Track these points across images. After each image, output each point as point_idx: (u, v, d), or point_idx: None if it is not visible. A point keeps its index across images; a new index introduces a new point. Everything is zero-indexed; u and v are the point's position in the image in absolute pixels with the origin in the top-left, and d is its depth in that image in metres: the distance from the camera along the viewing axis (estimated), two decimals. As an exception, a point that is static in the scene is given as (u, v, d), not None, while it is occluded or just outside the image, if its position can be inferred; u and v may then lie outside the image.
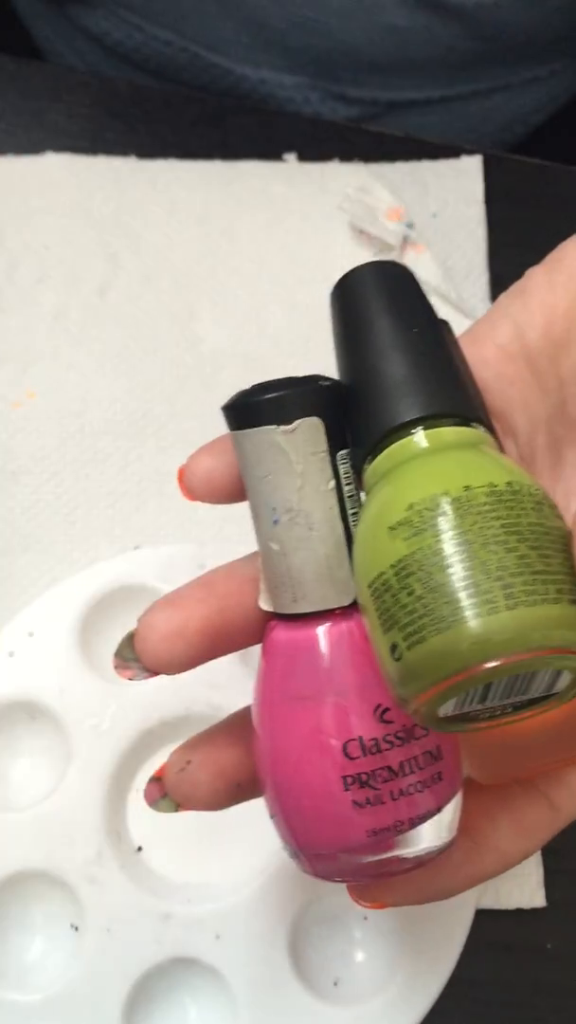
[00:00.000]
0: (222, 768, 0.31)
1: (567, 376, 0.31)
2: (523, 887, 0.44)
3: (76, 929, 0.42)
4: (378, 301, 0.29)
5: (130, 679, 0.30)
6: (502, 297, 0.32)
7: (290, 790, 0.29)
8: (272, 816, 0.30)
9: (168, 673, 0.29)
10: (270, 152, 0.55)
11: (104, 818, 0.42)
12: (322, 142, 0.55)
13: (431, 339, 0.28)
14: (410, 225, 0.53)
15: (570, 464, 0.32)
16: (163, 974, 0.41)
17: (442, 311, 0.31)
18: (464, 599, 0.23)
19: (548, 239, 0.33)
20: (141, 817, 0.43)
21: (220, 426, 0.51)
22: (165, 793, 0.32)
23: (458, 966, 0.42)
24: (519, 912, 0.44)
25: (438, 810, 0.29)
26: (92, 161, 0.54)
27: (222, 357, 0.51)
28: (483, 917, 0.43)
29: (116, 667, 0.30)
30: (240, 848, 0.43)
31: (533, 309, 0.31)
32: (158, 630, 0.29)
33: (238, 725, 0.31)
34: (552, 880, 0.44)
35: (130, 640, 0.29)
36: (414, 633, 0.24)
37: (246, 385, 0.29)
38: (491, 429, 0.28)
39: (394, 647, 0.24)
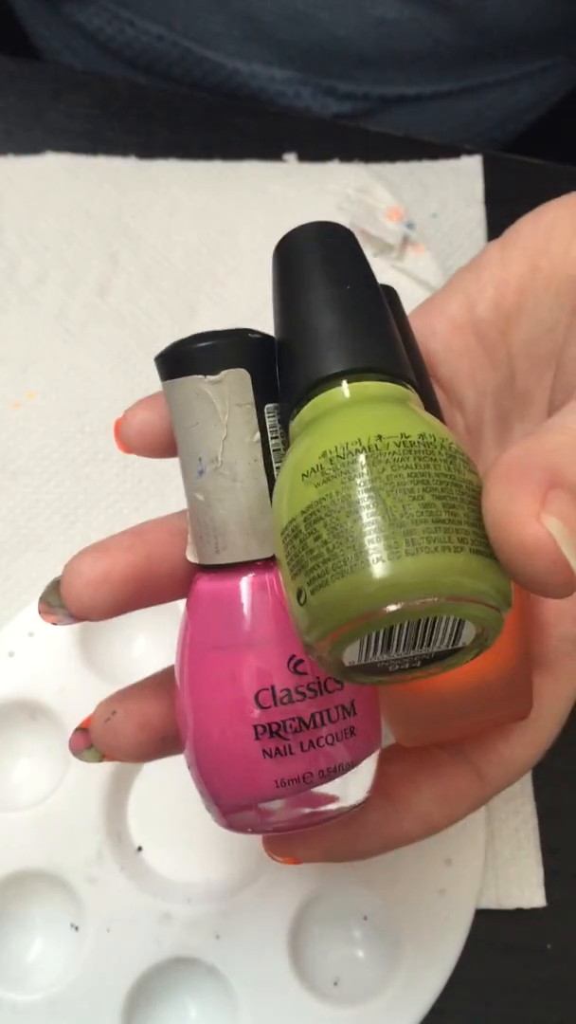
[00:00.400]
0: (147, 720, 0.31)
1: (516, 349, 0.31)
2: (523, 887, 0.44)
3: (76, 929, 0.42)
4: (315, 259, 0.29)
5: (54, 623, 0.30)
6: (458, 271, 0.32)
7: (204, 739, 0.29)
8: (189, 767, 0.30)
9: (92, 619, 0.30)
10: (270, 152, 0.55)
11: (104, 818, 0.42)
12: (322, 142, 0.55)
13: (364, 297, 0.29)
14: (410, 225, 0.53)
15: (518, 436, 0.32)
16: (163, 974, 0.41)
17: None
18: (366, 544, 0.24)
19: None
20: (141, 817, 0.43)
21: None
22: (90, 743, 0.32)
23: (458, 966, 0.42)
24: (519, 912, 0.44)
25: (351, 765, 0.29)
26: (92, 161, 0.54)
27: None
28: (483, 917, 0.43)
29: (41, 612, 0.30)
30: (240, 848, 0.43)
31: (485, 282, 0.31)
32: (83, 575, 0.29)
33: (167, 679, 0.32)
34: (552, 880, 0.44)
35: (56, 586, 0.30)
36: (318, 578, 0.24)
37: None
38: (419, 388, 0.28)
39: (300, 592, 0.25)
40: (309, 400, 0.27)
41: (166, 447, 0.30)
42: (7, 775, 0.44)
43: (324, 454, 0.25)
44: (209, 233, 0.53)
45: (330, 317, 0.28)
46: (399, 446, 0.25)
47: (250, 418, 0.28)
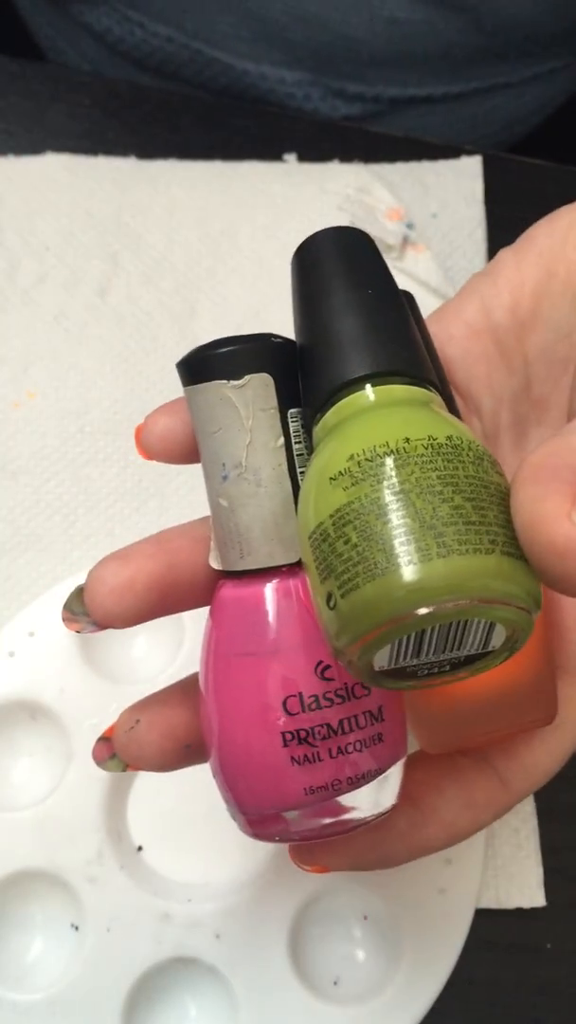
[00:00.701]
0: (171, 728, 0.31)
1: (532, 355, 0.31)
2: (523, 887, 0.44)
3: (76, 929, 0.42)
4: (335, 264, 0.29)
5: (78, 631, 0.30)
6: (472, 277, 0.32)
7: (230, 747, 0.29)
8: (215, 775, 0.30)
9: (116, 627, 0.29)
10: (270, 152, 0.55)
11: (104, 818, 0.42)
12: (322, 142, 0.55)
13: (385, 301, 0.29)
14: (410, 225, 0.53)
15: (534, 442, 0.32)
16: (163, 973, 0.41)
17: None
18: (397, 547, 0.23)
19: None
20: (141, 817, 0.43)
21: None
22: (114, 753, 0.32)
23: (458, 966, 0.42)
24: (519, 912, 0.44)
25: (379, 772, 0.29)
26: (92, 161, 0.54)
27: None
28: (483, 917, 0.43)
29: (65, 620, 0.30)
30: (240, 848, 0.43)
31: (501, 288, 0.31)
32: (107, 583, 0.29)
33: (190, 686, 0.31)
34: (552, 880, 0.44)
35: (79, 593, 0.30)
36: (348, 581, 0.24)
37: None
38: (441, 393, 0.28)
39: (329, 596, 0.25)
40: (333, 404, 0.27)
41: (188, 453, 0.30)
42: (7, 775, 0.44)
43: (351, 457, 0.25)
44: (209, 233, 0.53)
45: (352, 321, 0.28)
46: (427, 448, 0.25)
47: (274, 423, 0.28)
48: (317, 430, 0.28)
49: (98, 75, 0.59)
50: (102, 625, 0.29)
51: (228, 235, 0.53)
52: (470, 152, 0.56)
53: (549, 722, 0.31)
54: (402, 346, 0.28)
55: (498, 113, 0.66)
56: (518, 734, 0.32)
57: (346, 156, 0.55)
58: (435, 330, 0.31)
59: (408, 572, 0.23)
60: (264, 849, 0.43)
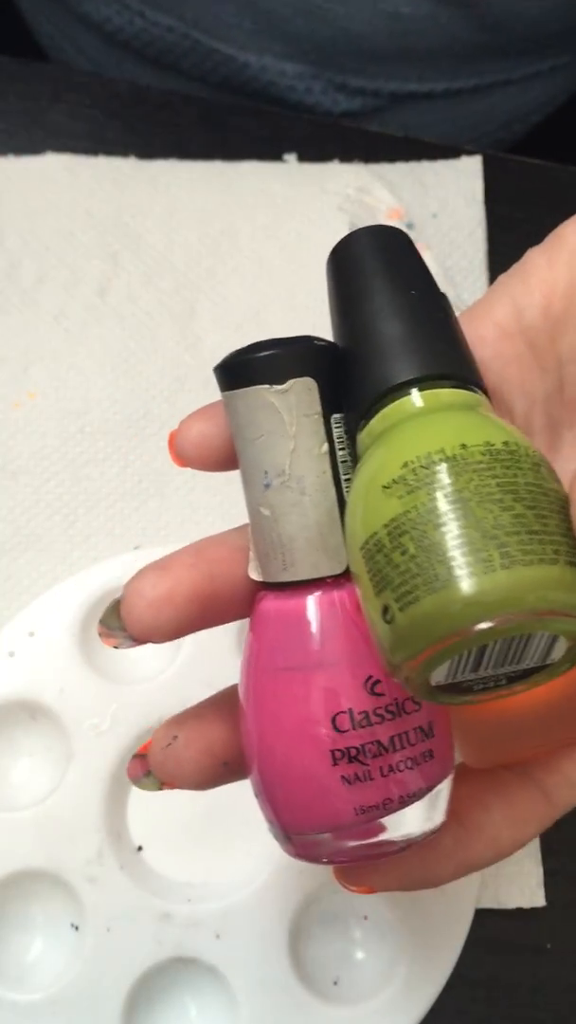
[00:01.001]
0: (209, 745, 0.30)
1: (566, 355, 0.30)
2: (523, 887, 0.44)
3: (76, 928, 0.42)
4: (375, 264, 0.28)
5: (115, 647, 0.29)
6: (501, 277, 0.32)
7: (276, 766, 0.28)
8: (257, 795, 0.29)
9: (154, 641, 0.28)
10: (270, 152, 0.55)
11: (104, 817, 0.42)
12: (322, 142, 0.55)
13: (428, 302, 0.28)
14: (410, 225, 0.53)
15: (568, 444, 0.31)
16: (163, 973, 0.41)
17: None
18: (459, 558, 0.23)
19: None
20: (141, 817, 0.43)
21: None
22: (149, 770, 0.31)
23: (458, 965, 0.42)
24: (519, 912, 0.44)
25: (428, 790, 0.28)
26: (92, 161, 0.54)
27: (222, 357, 0.51)
28: (483, 917, 0.43)
29: (101, 635, 0.29)
30: (240, 848, 0.43)
31: (532, 288, 0.31)
32: (145, 596, 0.28)
33: (227, 701, 0.30)
34: (552, 880, 0.44)
35: (116, 607, 0.29)
36: (407, 594, 0.23)
37: None
38: (487, 395, 0.27)
39: (386, 609, 0.24)
40: (379, 410, 0.26)
41: (224, 460, 0.29)
42: (7, 775, 0.44)
43: (405, 464, 0.24)
44: (209, 233, 0.53)
45: (396, 323, 0.27)
46: (484, 454, 0.24)
47: (318, 429, 0.27)
48: (362, 436, 0.27)
49: (98, 75, 0.59)
50: (140, 640, 0.28)
51: (228, 235, 0.53)
52: (470, 152, 0.56)
53: None
54: (448, 348, 0.27)
55: (498, 110, 0.66)
56: (563, 747, 0.31)
57: (346, 156, 0.55)
58: (465, 331, 0.31)
59: (471, 584, 0.22)
60: (264, 849, 0.43)
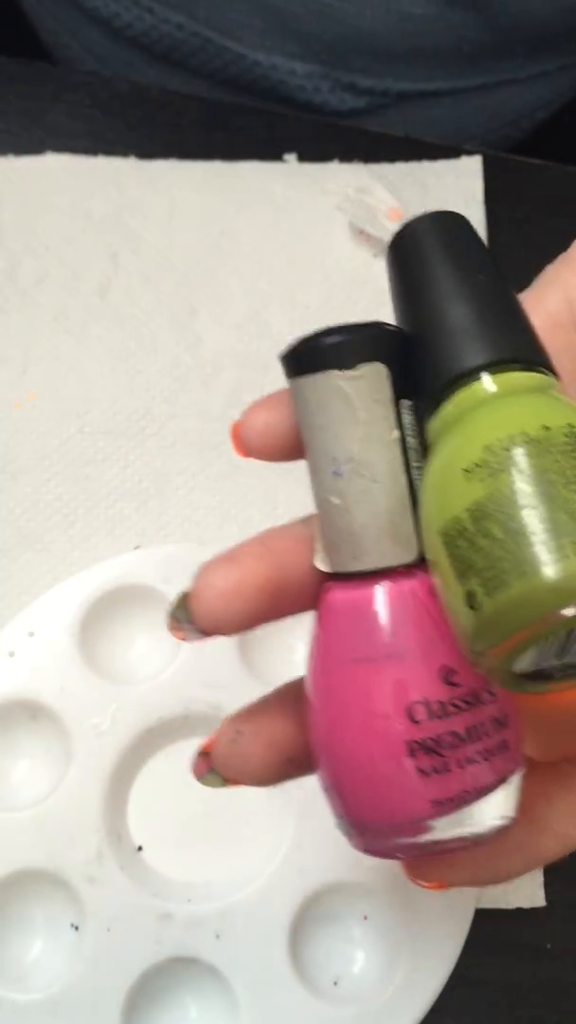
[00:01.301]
0: (275, 740, 0.29)
1: None
2: (523, 887, 0.44)
3: (76, 929, 0.42)
4: (440, 249, 0.28)
5: (182, 639, 0.28)
6: (549, 268, 0.31)
7: (348, 759, 0.27)
8: (326, 790, 0.28)
9: (223, 633, 0.28)
10: (270, 152, 0.55)
11: (104, 818, 0.42)
12: (322, 142, 0.55)
13: (496, 285, 0.27)
14: (410, 225, 0.53)
15: None
16: (163, 973, 0.41)
17: None
18: (548, 541, 0.22)
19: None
20: (141, 817, 0.43)
21: (220, 427, 0.51)
22: (213, 767, 0.30)
23: (458, 965, 0.42)
24: (519, 912, 0.44)
25: (502, 782, 0.27)
26: (92, 161, 0.54)
27: (222, 357, 0.51)
28: (483, 916, 0.43)
29: (170, 628, 0.28)
30: (240, 848, 0.43)
31: None
32: (215, 587, 0.27)
33: (291, 695, 0.30)
34: (552, 880, 0.44)
35: (184, 599, 0.28)
36: (494, 578, 0.23)
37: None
38: (557, 377, 0.27)
39: (470, 595, 0.23)
40: (451, 395, 0.26)
41: (290, 449, 0.28)
42: (7, 775, 0.44)
43: (487, 447, 0.24)
44: (209, 233, 0.53)
45: (465, 308, 0.26)
46: (568, 436, 0.24)
47: (388, 414, 0.26)
48: (434, 423, 0.26)
49: (98, 75, 0.59)
50: (208, 632, 0.28)
51: (228, 235, 0.53)
52: (470, 152, 0.56)
53: None
54: (518, 331, 0.27)
55: (505, 108, 0.66)
56: None
57: (346, 156, 0.55)
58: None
59: (563, 568, 0.22)
60: (264, 849, 0.43)
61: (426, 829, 0.27)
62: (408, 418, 0.27)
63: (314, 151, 0.55)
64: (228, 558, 0.28)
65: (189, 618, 0.28)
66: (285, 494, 0.49)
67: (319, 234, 0.53)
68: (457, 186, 0.55)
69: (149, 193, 0.54)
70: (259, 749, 0.29)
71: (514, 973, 0.43)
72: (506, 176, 0.55)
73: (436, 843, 0.27)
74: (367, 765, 0.27)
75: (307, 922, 0.42)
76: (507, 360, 0.26)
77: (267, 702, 0.30)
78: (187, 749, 0.44)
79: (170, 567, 0.45)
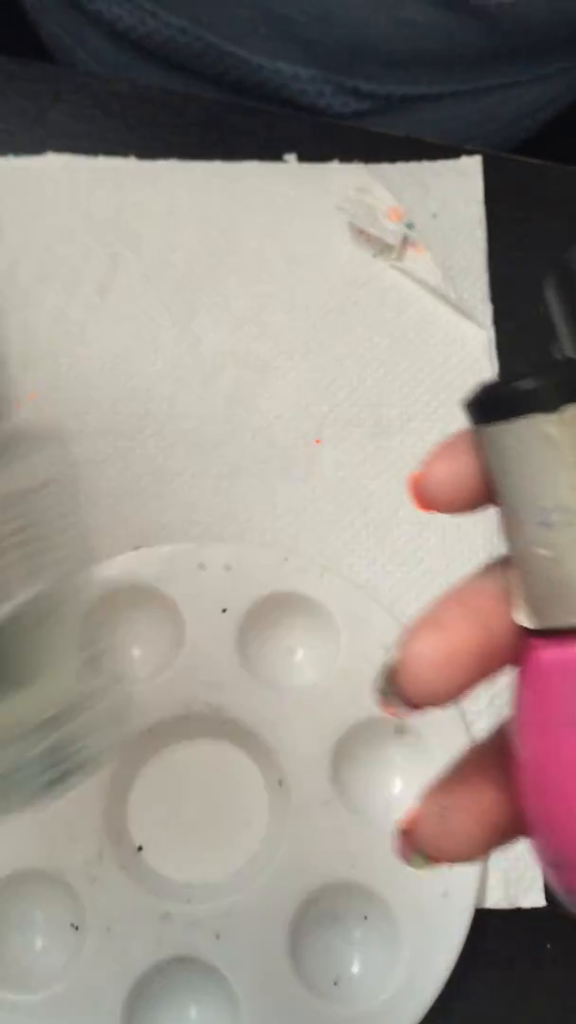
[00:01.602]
0: (482, 812, 0.27)
1: None
2: (523, 887, 0.44)
3: (76, 928, 0.42)
4: None
5: (393, 715, 0.27)
6: None
7: (567, 826, 0.25)
8: (547, 864, 0.27)
9: (436, 705, 0.26)
10: (270, 152, 0.55)
11: (105, 818, 0.42)
12: (322, 142, 0.55)
13: None
14: (410, 225, 0.53)
15: None
16: (163, 973, 0.41)
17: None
18: None
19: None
20: (141, 817, 0.43)
21: (219, 427, 0.51)
22: (418, 847, 0.28)
23: (457, 966, 0.42)
24: (519, 912, 0.44)
25: None
26: (92, 161, 0.54)
27: (222, 357, 0.51)
28: (483, 917, 0.43)
29: (380, 704, 0.27)
30: (240, 848, 0.43)
31: None
32: (426, 657, 0.26)
33: (487, 761, 0.28)
34: (552, 880, 0.44)
35: (390, 673, 0.26)
36: None
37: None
38: None
39: None
40: None
41: (478, 499, 0.27)
42: (7, 775, 0.44)
43: None
44: (209, 233, 0.53)
45: None
46: None
47: None
48: None
49: (98, 75, 0.59)
50: (418, 704, 0.26)
51: (228, 235, 0.53)
52: (470, 152, 0.56)
53: None
54: None
55: (507, 107, 0.66)
56: None
57: (346, 156, 0.55)
58: None
59: None
60: (264, 849, 0.43)
61: None
62: None
63: (314, 151, 0.55)
64: (433, 623, 0.26)
65: (398, 691, 0.26)
66: (284, 495, 0.49)
67: (319, 234, 0.53)
68: (457, 186, 0.55)
69: (149, 193, 0.54)
70: (468, 825, 0.28)
71: (514, 973, 0.43)
72: (506, 176, 0.55)
73: None
74: None
75: (307, 922, 0.42)
76: None
77: (463, 772, 0.29)
78: (187, 749, 0.44)
79: (170, 567, 0.45)
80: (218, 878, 0.43)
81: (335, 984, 0.42)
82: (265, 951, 0.41)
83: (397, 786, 0.44)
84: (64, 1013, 0.40)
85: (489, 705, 0.46)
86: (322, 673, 0.45)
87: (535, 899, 0.44)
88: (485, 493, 0.26)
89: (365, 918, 0.43)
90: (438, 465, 0.27)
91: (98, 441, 0.49)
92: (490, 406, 0.25)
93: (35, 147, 0.54)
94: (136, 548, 0.47)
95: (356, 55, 0.60)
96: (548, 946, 0.44)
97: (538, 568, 0.25)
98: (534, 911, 0.44)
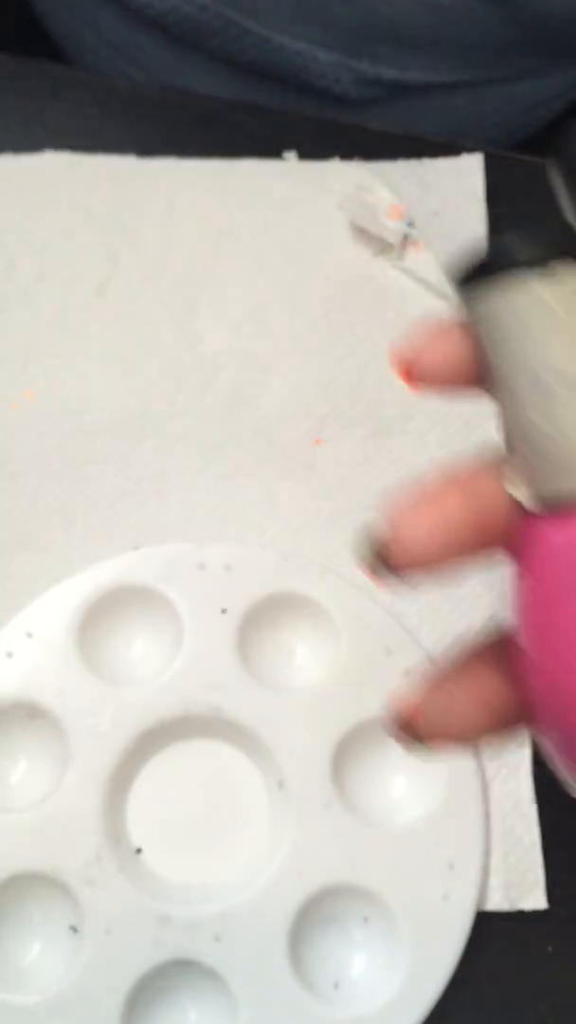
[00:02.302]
0: (485, 695, 0.27)
1: None
2: (524, 889, 0.44)
3: (75, 931, 0.41)
4: None
5: (376, 582, 0.26)
6: None
7: (570, 700, 0.24)
8: (556, 748, 0.26)
9: (419, 571, 0.26)
10: (270, 150, 0.55)
11: (103, 820, 0.42)
12: (322, 140, 0.55)
13: None
14: (410, 224, 0.53)
15: None
16: (162, 976, 0.41)
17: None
18: None
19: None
20: (140, 819, 0.43)
21: (219, 426, 0.51)
22: (418, 734, 0.28)
23: (458, 968, 0.42)
24: (520, 914, 0.43)
25: None
26: (91, 159, 0.54)
27: (222, 357, 0.51)
28: (484, 919, 0.43)
29: (368, 573, 0.26)
30: (240, 850, 0.43)
31: None
32: (419, 526, 0.26)
33: (491, 652, 0.28)
34: (553, 882, 0.44)
35: (378, 544, 0.26)
36: None
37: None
38: None
39: None
40: None
41: (466, 379, 0.26)
42: (6, 776, 0.44)
43: None
44: (209, 232, 0.53)
45: None
46: None
47: None
48: None
49: (97, 74, 0.59)
50: (402, 567, 0.26)
51: (228, 234, 0.53)
52: (471, 150, 0.55)
53: None
54: None
55: (522, 97, 0.66)
56: None
57: (346, 154, 0.55)
58: None
59: None
60: (264, 851, 0.42)
61: None
62: None
63: (314, 149, 0.55)
64: (426, 496, 0.26)
65: (385, 558, 0.26)
66: (286, 493, 0.48)
67: (319, 233, 0.53)
68: (458, 184, 0.55)
69: (148, 191, 0.53)
70: (471, 707, 0.28)
71: (515, 976, 0.43)
72: (507, 174, 0.55)
73: None
74: None
75: (307, 925, 0.42)
76: None
77: (465, 663, 0.28)
78: (186, 751, 0.44)
79: (170, 567, 0.45)
80: (218, 880, 0.42)
81: (335, 987, 0.42)
82: (265, 953, 0.41)
83: (397, 787, 0.44)
84: (63, 1016, 0.40)
85: (455, 632, 0.45)
86: (322, 673, 0.45)
87: (536, 902, 0.43)
88: (476, 373, 0.26)
89: (365, 920, 0.42)
90: (430, 342, 0.26)
91: (97, 441, 0.49)
92: (479, 268, 0.24)
93: (34, 145, 0.54)
94: (136, 548, 0.47)
95: (378, 37, 0.59)
96: (549, 948, 0.44)
97: (534, 440, 0.25)
98: (535, 914, 0.44)
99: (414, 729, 0.28)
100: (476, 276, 0.24)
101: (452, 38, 0.60)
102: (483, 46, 0.60)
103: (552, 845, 0.44)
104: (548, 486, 0.24)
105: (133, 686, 0.44)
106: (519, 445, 0.25)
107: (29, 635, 0.44)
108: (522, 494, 0.25)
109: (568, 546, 0.24)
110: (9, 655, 0.44)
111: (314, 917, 0.42)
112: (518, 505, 0.25)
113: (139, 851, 0.43)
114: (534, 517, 0.25)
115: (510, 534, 0.26)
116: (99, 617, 0.45)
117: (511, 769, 0.44)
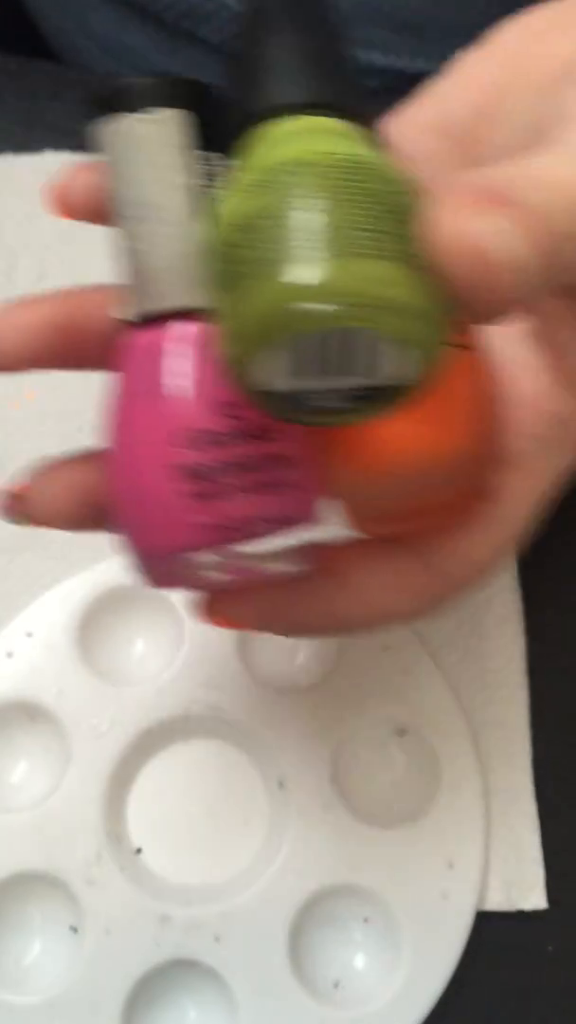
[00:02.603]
0: (74, 486, 0.31)
1: (493, 152, 0.29)
2: (524, 889, 0.44)
3: (75, 931, 0.42)
4: (280, 13, 0.28)
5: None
6: (431, 80, 0.31)
7: (128, 490, 0.28)
8: (118, 527, 0.29)
9: (7, 368, 0.29)
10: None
11: (103, 819, 0.42)
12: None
13: (320, 33, 0.28)
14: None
15: None
16: (162, 976, 0.41)
17: None
18: (291, 248, 0.23)
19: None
20: (140, 818, 0.43)
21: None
22: (24, 512, 0.32)
23: (458, 968, 0.42)
24: (520, 914, 0.43)
25: (282, 524, 0.28)
26: (91, 159, 0.54)
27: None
28: (484, 919, 0.43)
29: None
30: (240, 850, 0.43)
31: (461, 85, 0.30)
32: (9, 322, 0.29)
33: (95, 452, 0.31)
34: (553, 882, 0.44)
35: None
36: (243, 287, 0.24)
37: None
38: (371, 129, 0.27)
39: (226, 308, 0.24)
40: (250, 132, 0.26)
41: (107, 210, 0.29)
42: (6, 776, 0.44)
43: (266, 169, 0.25)
44: (209, 232, 0.53)
45: (282, 52, 0.27)
46: (338, 160, 0.24)
47: (187, 161, 0.27)
48: (233, 162, 0.27)
49: (97, 73, 0.59)
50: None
51: (228, 234, 0.53)
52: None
53: (481, 500, 0.30)
54: (330, 78, 0.27)
55: None
56: (451, 521, 0.31)
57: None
58: (391, 129, 0.30)
59: (297, 272, 0.23)
60: (264, 851, 0.42)
61: (203, 556, 0.28)
62: (210, 168, 0.27)
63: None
64: (21, 302, 0.29)
65: None
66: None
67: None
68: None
69: (148, 192, 0.53)
70: (62, 496, 0.31)
71: (515, 976, 0.43)
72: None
73: (220, 575, 0.28)
74: (144, 491, 0.28)
75: (307, 925, 0.42)
76: (316, 104, 0.26)
77: (77, 457, 0.32)
78: (187, 751, 0.44)
79: (169, 567, 0.45)
80: (218, 880, 0.42)
81: (335, 987, 0.42)
82: (265, 953, 0.41)
83: (398, 787, 0.44)
84: (62, 1016, 0.40)
85: (455, 632, 0.45)
86: (322, 673, 0.45)
87: (536, 901, 0.43)
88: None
89: (365, 920, 0.42)
90: (77, 174, 0.29)
91: (96, 441, 0.49)
92: (101, 103, 0.28)
93: (34, 145, 0.54)
94: (135, 548, 0.47)
95: (372, 20, 0.59)
96: (549, 948, 0.44)
97: (128, 260, 0.28)
98: (535, 913, 0.44)
99: (22, 507, 0.32)
100: (100, 107, 0.28)
101: (444, 20, 0.59)
102: (476, 29, 0.60)
103: (552, 845, 0.44)
104: (143, 306, 0.28)
105: (133, 686, 0.44)
106: (121, 268, 0.28)
107: (29, 635, 0.44)
108: (118, 309, 0.29)
109: (149, 346, 0.28)
110: (9, 655, 0.44)
111: (314, 917, 0.42)
112: (124, 325, 0.29)
113: (139, 851, 0.43)
114: (129, 329, 0.28)
115: (112, 351, 0.29)
116: (99, 617, 0.45)
117: (511, 769, 0.44)
